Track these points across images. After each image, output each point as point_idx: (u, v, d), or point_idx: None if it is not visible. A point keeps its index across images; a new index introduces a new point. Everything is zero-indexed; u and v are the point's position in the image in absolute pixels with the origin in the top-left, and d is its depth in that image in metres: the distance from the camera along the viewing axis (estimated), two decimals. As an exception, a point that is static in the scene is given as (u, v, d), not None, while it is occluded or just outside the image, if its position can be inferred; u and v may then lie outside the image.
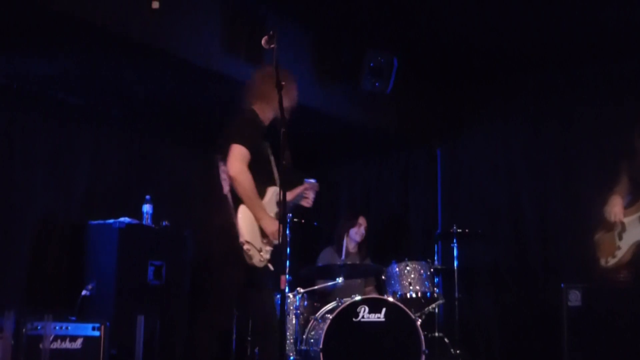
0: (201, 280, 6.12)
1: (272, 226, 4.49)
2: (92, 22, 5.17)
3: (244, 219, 4.44)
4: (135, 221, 6.38)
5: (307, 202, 5.07)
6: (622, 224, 5.13)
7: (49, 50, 5.76)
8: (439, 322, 7.14)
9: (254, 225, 4.49)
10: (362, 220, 7.21)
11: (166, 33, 5.63)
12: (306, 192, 5.04)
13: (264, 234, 4.53)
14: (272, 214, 4.62)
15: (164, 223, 6.62)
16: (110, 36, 5.36)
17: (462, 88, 8.39)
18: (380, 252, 7.68)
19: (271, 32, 4.04)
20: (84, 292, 6.00)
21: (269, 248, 4.58)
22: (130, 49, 5.65)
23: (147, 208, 6.57)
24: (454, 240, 7.04)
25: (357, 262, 7.06)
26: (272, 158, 4.78)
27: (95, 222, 6.41)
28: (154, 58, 5.86)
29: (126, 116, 7.25)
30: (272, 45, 4.04)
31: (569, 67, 7.66)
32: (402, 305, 5.93)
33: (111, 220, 6.28)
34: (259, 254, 4.47)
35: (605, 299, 6.35)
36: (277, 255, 4.63)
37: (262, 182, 4.60)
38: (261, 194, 4.59)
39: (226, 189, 4.56)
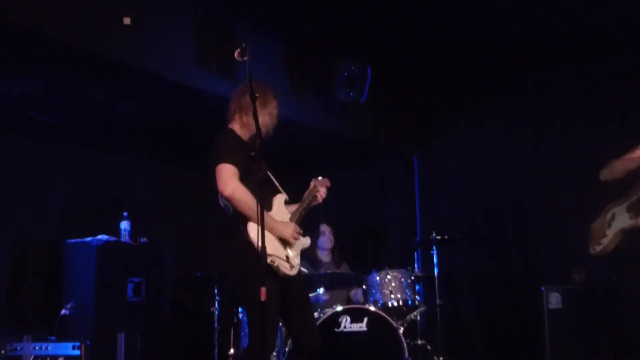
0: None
1: (285, 230, 4.39)
2: (64, 40, 5.15)
3: (256, 234, 4.18)
4: (113, 238, 6.35)
5: (318, 200, 4.81)
6: (613, 213, 5.21)
7: (20, 69, 5.72)
8: (421, 330, 7.13)
9: (270, 237, 4.31)
10: (324, 228, 7.18)
11: (138, 49, 5.62)
12: (316, 190, 4.81)
13: (283, 242, 4.41)
14: (286, 220, 4.52)
15: (142, 239, 6.58)
16: (82, 53, 5.34)
17: (436, 96, 8.44)
18: (360, 262, 7.67)
19: (244, 45, 4.02)
20: (63, 311, 5.96)
21: (295, 252, 4.46)
22: (103, 66, 5.63)
23: (124, 225, 6.54)
24: (434, 247, 7.05)
25: (334, 269, 7.03)
26: (266, 168, 4.63)
27: (73, 240, 6.36)
28: (127, 74, 5.84)
29: (101, 133, 7.21)
30: (245, 58, 4.02)
31: (540, 71, 7.73)
32: (383, 314, 5.93)
33: (89, 238, 6.24)
34: (287, 262, 4.35)
35: (585, 300, 6.41)
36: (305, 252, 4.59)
37: (265, 194, 4.45)
38: (268, 205, 4.48)
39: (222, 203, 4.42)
